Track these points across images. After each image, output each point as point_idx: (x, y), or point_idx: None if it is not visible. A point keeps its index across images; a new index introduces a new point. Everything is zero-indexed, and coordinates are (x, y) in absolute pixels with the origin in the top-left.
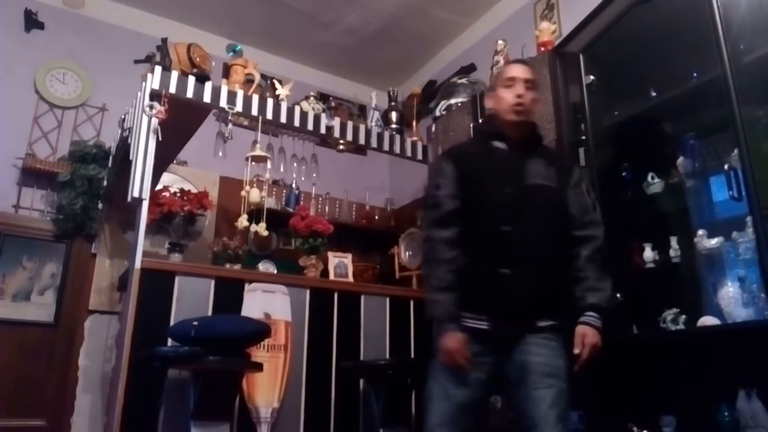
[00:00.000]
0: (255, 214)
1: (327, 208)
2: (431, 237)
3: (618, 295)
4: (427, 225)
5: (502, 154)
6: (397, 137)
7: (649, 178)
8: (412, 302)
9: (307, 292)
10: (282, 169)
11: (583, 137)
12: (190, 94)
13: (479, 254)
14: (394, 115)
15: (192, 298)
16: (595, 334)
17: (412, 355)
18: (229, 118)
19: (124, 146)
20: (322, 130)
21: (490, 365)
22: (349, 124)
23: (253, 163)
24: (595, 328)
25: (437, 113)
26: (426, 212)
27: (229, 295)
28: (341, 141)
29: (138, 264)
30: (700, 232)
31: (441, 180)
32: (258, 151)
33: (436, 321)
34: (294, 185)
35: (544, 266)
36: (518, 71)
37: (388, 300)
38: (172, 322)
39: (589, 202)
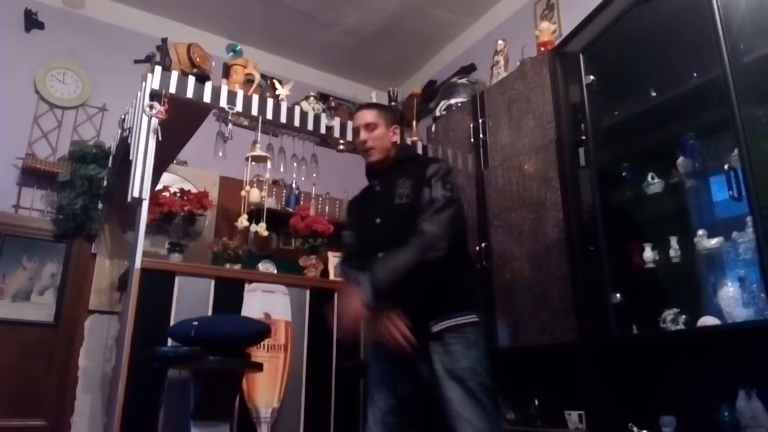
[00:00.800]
0: (255, 214)
1: (327, 208)
2: (341, 270)
3: (618, 295)
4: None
5: (375, 190)
6: None
7: (649, 178)
8: None
9: (307, 292)
10: (282, 169)
11: (583, 137)
12: (190, 94)
13: None
14: None
15: (192, 298)
16: (356, 301)
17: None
18: (229, 118)
19: (124, 146)
20: (322, 130)
21: (403, 370)
22: (349, 124)
23: (253, 163)
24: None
25: (437, 113)
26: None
27: (229, 295)
28: (341, 141)
29: (138, 264)
30: (700, 232)
31: (346, 223)
32: (258, 151)
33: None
34: (294, 185)
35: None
36: (356, 120)
37: None
38: (172, 322)
39: (424, 197)
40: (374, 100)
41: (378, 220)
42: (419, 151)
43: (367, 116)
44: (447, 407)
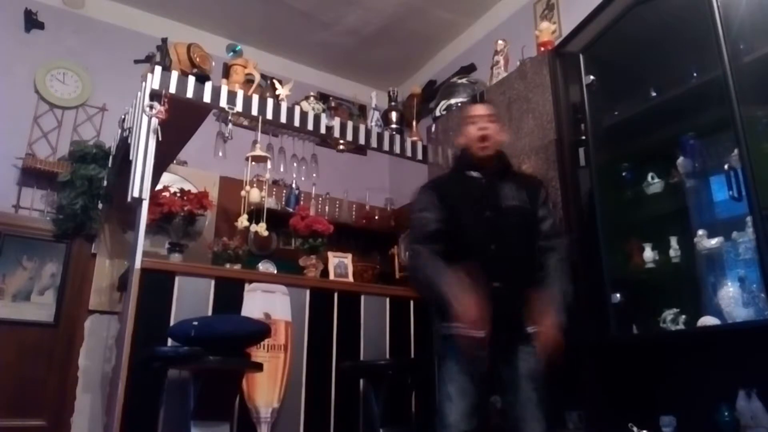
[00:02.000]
0: (255, 214)
1: (327, 208)
2: (417, 250)
3: (618, 295)
4: (413, 241)
5: (478, 182)
6: (397, 137)
7: (649, 178)
8: (412, 302)
9: (307, 292)
10: (282, 169)
11: (583, 137)
12: (190, 94)
13: (469, 270)
14: (394, 115)
15: (192, 298)
16: (557, 332)
17: (412, 355)
18: (229, 118)
19: (124, 146)
20: (322, 130)
21: (486, 369)
22: (349, 124)
23: (253, 163)
24: (557, 327)
25: (437, 113)
26: (412, 231)
27: (229, 295)
28: (341, 141)
29: (138, 264)
30: (700, 232)
31: (425, 205)
32: (258, 151)
33: (444, 301)
34: (294, 185)
35: (526, 277)
36: (479, 110)
37: (388, 300)
38: (172, 322)
39: (554, 217)
40: (374, 101)
41: (488, 213)
42: (419, 151)
43: (489, 109)
44: (525, 406)
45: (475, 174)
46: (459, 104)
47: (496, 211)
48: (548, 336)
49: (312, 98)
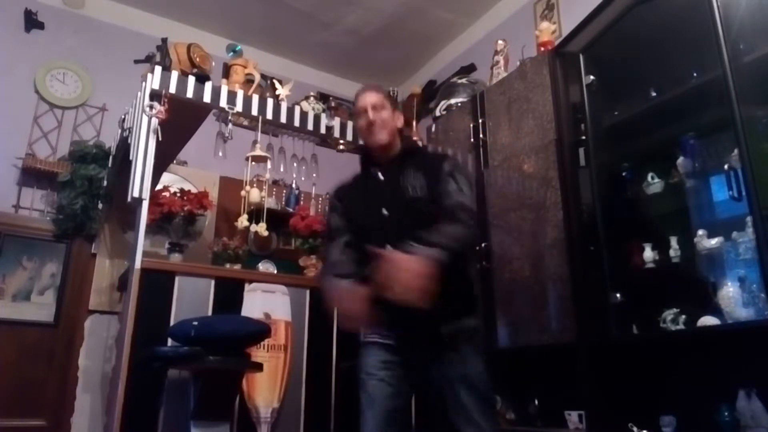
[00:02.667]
0: (255, 214)
1: (327, 208)
2: (323, 267)
3: (618, 295)
4: (324, 253)
5: (375, 179)
6: None
7: (649, 178)
8: None
9: (307, 292)
10: (282, 169)
11: (583, 137)
12: (190, 94)
13: (370, 276)
14: None
15: (192, 298)
16: (417, 260)
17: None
18: (229, 118)
19: (124, 146)
20: (322, 130)
21: (405, 373)
22: (349, 124)
23: (253, 163)
24: (421, 257)
25: (437, 113)
26: (324, 243)
27: (229, 295)
28: (341, 141)
29: (138, 264)
30: (700, 232)
31: (331, 215)
32: (258, 151)
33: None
34: (294, 185)
35: None
36: (362, 100)
37: None
38: (172, 322)
39: (452, 189)
40: None
41: (385, 212)
42: None
43: (374, 97)
44: (460, 413)
45: (374, 170)
46: (459, 104)
47: (393, 207)
48: (407, 264)
49: (312, 98)
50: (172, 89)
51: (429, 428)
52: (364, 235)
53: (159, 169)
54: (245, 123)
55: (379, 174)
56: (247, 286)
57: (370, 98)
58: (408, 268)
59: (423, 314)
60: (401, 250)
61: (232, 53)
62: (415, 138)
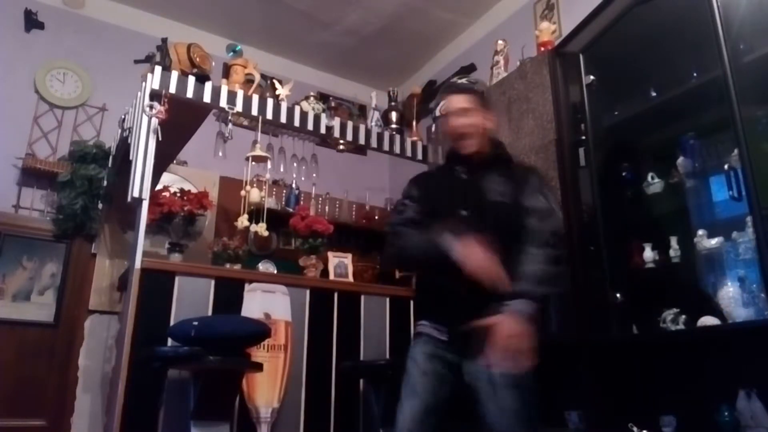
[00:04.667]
0: (255, 214)
1: (327, 208)
2: (398, 229)
3: (618, 295)
4: (391, 225)
5: (459, 178)
6: (397, 137)
7: (649, 178)
8: (412, 302)
9: (307, 292)
10: (282, 169)
11: (583, 137)
12: (190, 94)
13: (440, 269)
14: (394, 115)
15: (192, 298)
16: (512, 321)
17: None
18: (229, 118)
19: (124, 146)
20: (322, 130)
21: (451, 372)
22: (349, 124)
23: (253, 163)
24: (514, 315)
25: (437, 113)
26: (391, 217)
27: (229, 295)
28: (341, 141)
29: (138, 264)
30: (700, 232)
31: (407, 199)
32: (258, 151)
33: (438, 250)
34: (294, 185)
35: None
36: (447, 105)
37: (388, 300)
38: (172, 322)
39: (544, 206)
40: (374, 101)
41: (464, 212)
42: (419, 151)
43: (460, 101)
44: (501, 416)
45: (459, 168)
46: None
47: (474, 208)
48: (502, 327)
49: (312, 98)
50: (172, 89)
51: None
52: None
53: (159, 169)
54: (245, 123)
55: (462, 174)
56: (247, 286)
57: (456, 103)
58: (509, 337)
59: (483, 313)
60: (495, 310)
61: (232, 53)
62: (415, 138)
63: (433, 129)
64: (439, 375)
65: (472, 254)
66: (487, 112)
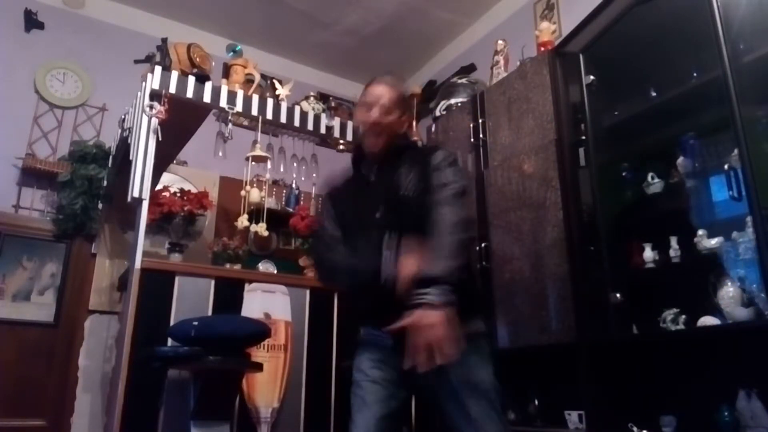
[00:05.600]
0: (255, 214)
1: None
2: (320, 259)
3: (618, 295)
4: (316, 254)
5: (368, 180)
6: None
7: (649, 178)
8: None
9: (307, 292)
10: (282, 169)
11: (583, 137)
12: (190, 94)
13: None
14: None
15: (192, 298)
16: (426, 315)
17: None
18: (229, 118)
19: (124, 146)
20: (322, 130)
21: (402, 375)
22: (349, 124)
23: (253, 163)
24: (427, 307)
25: (437, 113)
26: (315, 245)
27: (229, 295)
28: (341, 141)
29: (138, 264)
30: (700, 232)
31: (324, 222)
32: (258, 151)
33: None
34: (294, 185)
35: None
36: (370, 94)
37: None
38: (172, 322)
39: (436, 182)
40: None
41: (377, 215)
42: None
43: (385, 96)
44: (466, 423)
45: (365, 171)
46: (459, 104)
47: (386, 209)
48: (417, 324)
49: (312, 98)
50: (172, 89)
51: None
52: (354, 238)
53: (159, 169)
54: (245, 123)
55: (371, 175)
56: (247, 286)
57: (379, 96)
58: (427, 331)
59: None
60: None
61: (232, 53)
62: (415, 138)
63: (433, 129)
64: (389, 381)
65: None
66: (405, 115)
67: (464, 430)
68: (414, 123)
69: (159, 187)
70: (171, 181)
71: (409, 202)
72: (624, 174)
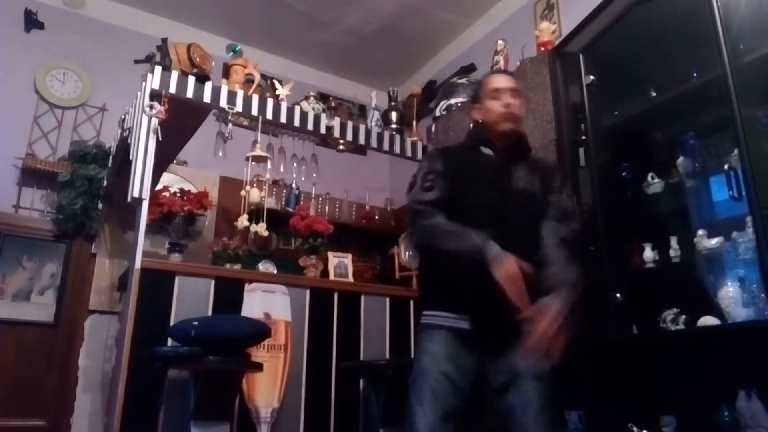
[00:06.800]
0: (255, 214)
1: (327, 208)
2: (423, 210)
3: (618, 295)
4: (416, 200)
5: (488, 160)
6: (397, 137)
7: (649, 178)
8: (412, 302)
9: (307, 292)
10: (282, 169)
11: (583, 137)
12: (190, 94)
13: (469, 264)
14: (394, 115)
15: (192, 298)
16: (557, 305)
17: (412, 355)
18: (229, 118)
19: (124, 146)
20: (322, 130)
21: (472, 368)
22: (349, 124)
23: (253, 163)
24: (550, 308)
25: (437, 113)
26: (413, 191)
27: (229, 295)
28: (341, 141)
29: (138, 264)
30: (700, 232)
31: (431, 174)
32: (258, 151)
33: (469, 252)
34: (294, 185)
35: None
36: (503, 82)
37: (388, 300)
38: (172, 322)
39: (569, 206)
40: (374, 101)
41: (494, 195)
42: (419, 150)
43: (513, 82)
44: (526, 409)
45: (487, 152)
46: (459, 104)
47: (503, 193)
48: (538, 331)
49: (312, 98)
50: (172, 89)
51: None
52: (463, 213)
53: (159, 169)
54: (245, 123)
55: (491, 156)
56: (247, 286)
57: (510, 82)
58: (546, 329)
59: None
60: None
61: (232, 53)
62: (415, 138)
63: (433, 129)
64: (461, 375)
65: (508, 269)
66: (524, 100)
67: (518, 418)
68: (414, 123)
69: (159, 187)
70: (171, 181)
71: (528, 197)
72: (624, 174)
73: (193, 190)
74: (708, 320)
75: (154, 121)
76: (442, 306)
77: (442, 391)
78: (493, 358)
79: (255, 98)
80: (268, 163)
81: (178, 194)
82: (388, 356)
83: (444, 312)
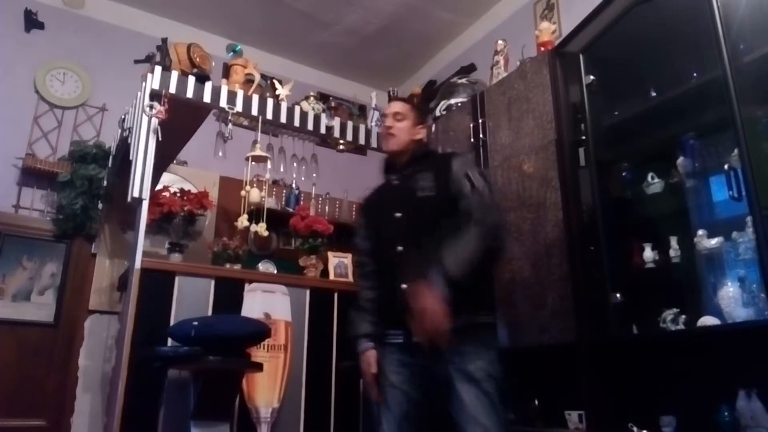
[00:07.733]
0: (255, 214)
1: (327, 208)
2: (357, 259)
3: (618, 295)
4: (355, 246)
5: (393, 185)
6: None
7: (649, 178)
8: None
9: (307, 292)
10: (282, 169)
11: (583, 137)
12: (190, 94)
13: (384, 276)
14: None
15: (192, 298)
16: (423, 294)
17: None
18: (229, 118)
19: (124, 146)
20: (322, 130)
21: (417, 375)
22: (349, 124)
23: (253, 163)
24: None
25: (437, 113)
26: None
27: (229, 295)
28: (341, 141)
29: (138, 264)
30: (700, 232)
31: (359, 226)
32: (258, 151)
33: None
34: (294, 185)
35: None
36: (388, 108)
37: None
38: (172, 322)
39: (465, 189)
40: (374, 101)
41: (398, 214)
42: None
43: (397, 107)
44: (460, 410)
45: (391, 177)
46: (459, 104)
47: (405, 209)
48: (417, 313)
49: (312, 98)
50: (172, 89)
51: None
52: (379, 241)
53: (159, 169)
54: (245, 123)
55: (394, 179)
56: (247, 286)
57: (393, 107)
58: (426, 309)
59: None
60: (420, 277)
61: (232, 53)
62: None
63: (433, 129)
64: (408, 383)
65: (426, 301)
66: (419, 123)
67: (460, 420)
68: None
69: (159, 187)
70: (171, 181)
71: (425, 203)
72: (624, 174)
73: (193, 190)
74: (708, 320)
75: (154, 121)
76: (384, 324)
77: (392, 400)
78: (435, 363)
79: (255, 98)
80: (268, 163)
81: (178, 194)
82: None
83: (386, 329)
